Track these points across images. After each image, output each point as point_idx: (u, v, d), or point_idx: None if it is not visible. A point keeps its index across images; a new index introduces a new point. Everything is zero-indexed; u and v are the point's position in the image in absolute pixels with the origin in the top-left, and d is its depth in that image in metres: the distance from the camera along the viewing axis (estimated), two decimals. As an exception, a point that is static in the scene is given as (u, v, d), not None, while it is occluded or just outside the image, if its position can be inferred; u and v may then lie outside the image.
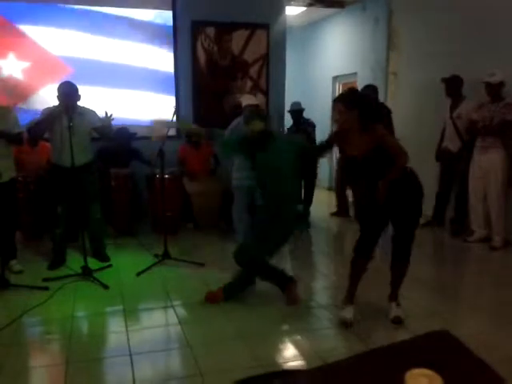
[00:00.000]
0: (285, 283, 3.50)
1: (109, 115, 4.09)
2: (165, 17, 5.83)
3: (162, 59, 5.88)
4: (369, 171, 3.00)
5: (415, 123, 5.88)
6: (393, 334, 2.98)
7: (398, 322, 3.09)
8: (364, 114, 2.95)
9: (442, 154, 5.36)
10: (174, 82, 5.94)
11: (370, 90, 5.68)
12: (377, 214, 3.05)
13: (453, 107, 5.18)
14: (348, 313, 3.13)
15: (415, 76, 6.17)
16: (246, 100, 5.04)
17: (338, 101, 3.04)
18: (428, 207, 5.64)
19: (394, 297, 3.21)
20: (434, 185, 5.52)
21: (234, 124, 4.65)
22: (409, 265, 3.13)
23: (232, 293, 3.50)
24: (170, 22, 5.85)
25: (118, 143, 5.16)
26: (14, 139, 3.87)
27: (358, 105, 2.96)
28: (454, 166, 5.25)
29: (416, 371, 1.04)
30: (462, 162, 5.09)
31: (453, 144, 5.21)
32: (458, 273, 4.38)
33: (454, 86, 5.16)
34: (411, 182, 3.03)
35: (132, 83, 5.76)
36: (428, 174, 5.68)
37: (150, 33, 5.80)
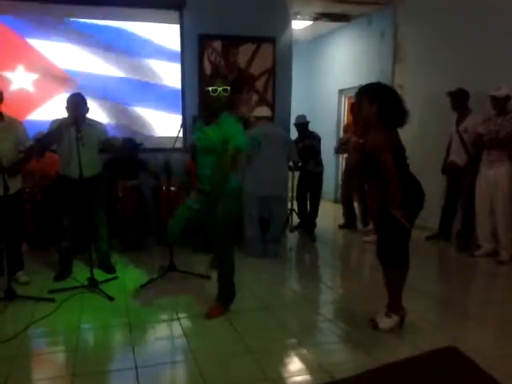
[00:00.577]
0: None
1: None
2: (172, 31, 5.89)
3: (169, 72, 5.93)
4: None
5: (421, 136, 5.88)
6: (399, 349, 2.96)
7: (373, 325, 3.18)
8: (384, 111, 2.90)
9: (448, 168, 5.35)
10: (180, 96, 5.98)
11: None
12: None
13: (459, 121, 5.19)
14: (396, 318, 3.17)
15: (421, 89, 6.19)
16: (260, 112, 5.09)
17: (360, 92, 3.01)
18: (434, 221, 5.64)
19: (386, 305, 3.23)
20: (440, 198, 5.51)
21: (248, 133, 4.75)
22: (392, 272, 3.14)
23: (226, 296, 3.48)
24: (177, 36, 5.91)
25: (124, 154, 5.18)
26: (25, 161, 3.94)
27: (379, 97, 2.92)
28: (460, 179, 5.24)
29: None
30: (468, 175, 5.08)
31: (459, 158, 5.20)
32: (465, 287, 4.35)
33: (459, 100, 5.17)
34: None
35: (138, 96, 5.80)
36: (434, 187, 5.70)
37: (157, 46, 5.86)
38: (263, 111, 5.20)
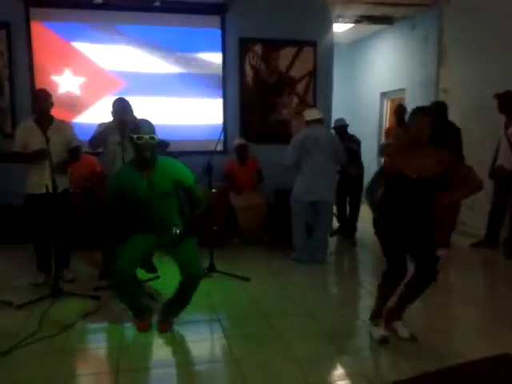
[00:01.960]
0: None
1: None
2: (213, 35, 5.96)
3: (212, 61, 6.00)
4: (422, 195, 2.87)
5: (468, 140, 5.72)
6: (442, 355, 2.87)
7: (413, 339, 3.04)
8: (437, 123, 2.90)
9: (496, 173, 5.18)
10: (221, 98, 6.04)
11: (435, 105, 5.53)
12: (408, 240, 2.94)
13: (507, 124, 5.01)
14: (381, 330, 3.11)
15: (467, 92, 6.02)
16: (311, 115, 5.00)
17: (417, 110, 2.96)
18: (481, 226, 5.46)
19: (400, 316, 3.16)
20: (488, 203, 5.33)
21: (299, 136, 4.79)
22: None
23: (179, 309, 3.37)
24: (218, 40, 5.97)
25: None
26: (73, 160, 4.08)
27: (432, 111, 2.96)
28: (508, 184, 5.05)
29: None
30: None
31: (508, 162, 5.03)
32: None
33: (507, 102, 5.00)
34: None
35: (181, 93, 5.92)
36: (481, 192, 5.53)
37: (198, 51, 5.95)
38: (314, 114, 5.03)
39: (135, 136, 3.03)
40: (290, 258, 4.97)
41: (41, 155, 3.77)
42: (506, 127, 5.01)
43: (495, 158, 5.21)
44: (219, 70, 6.02)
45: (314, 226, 4.99)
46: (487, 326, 3.37)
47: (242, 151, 5.67)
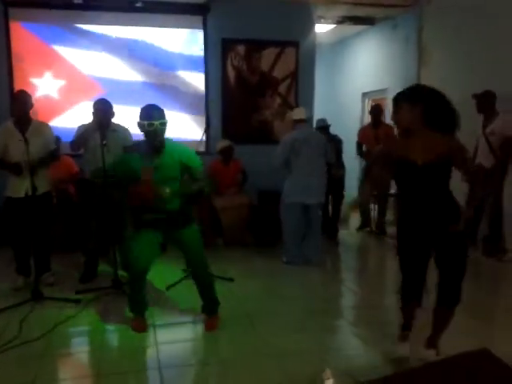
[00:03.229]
0: None
1: None
2: (195, 35, 5.94)
3: (193, 76, 5.98)
4: (428, 181, 2.59)
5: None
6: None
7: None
8: (430, 111, 2.58)
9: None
10: (204, 99, 6.03)
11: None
12: (423, 242, 2.64)
13: (486, 123, 5.09)
14: (404, 349, 2.85)
15: (447, 92, 6.05)
16: (298, 114, 4.95)
17: (399, 97, 2.64)
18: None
19: (432, 343, 2.80)
20: (464, 201, 5.40)
21: (288, 137, 4.75)
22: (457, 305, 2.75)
23: (211, 306, 3.41)
24: (201, 40, 5.96)
25: None
26: (52, 160, 4.04)
27: (422, 99, 2.60)
28: (487, 183, 5.13)
29: None
30: (495, 178, 4.97)
31: (486, 161, 5.09)
32: (493, 293, 4.25)
33: (485, 102, 5.07)
34: (455, 203, 2.66)
35: (162, 101, 5.85)
36: (460, 190, 5.60)
37: (181, 51, 5.92)
38: (301, 113, 4.97)
39: (146, 122, 3.01)
40: (281, 260, 4.91)
41: (15, 170, 3.77)
42: (484, 126, 5.09)
43: (474, 157, 5.28)
44: (201, 88, 6.02)
45: (307, 228, 4.93)
46: (467, 324, 3.42)
47: (227, 153, 5.62)
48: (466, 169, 2.68)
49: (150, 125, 3.00)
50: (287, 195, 4.80)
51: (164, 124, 3.07)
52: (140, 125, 3.06)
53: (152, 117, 3.02)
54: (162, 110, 3.11)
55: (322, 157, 4.85)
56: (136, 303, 3.33)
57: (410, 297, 2.76)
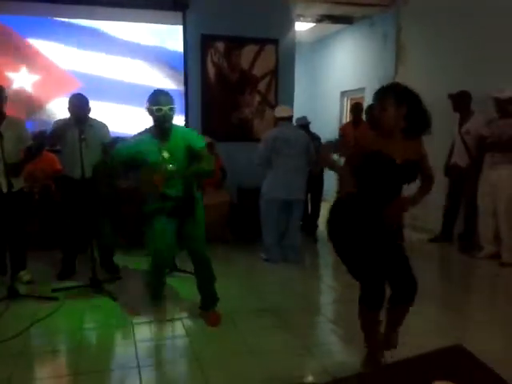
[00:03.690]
0: None
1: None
2: (174, 31, 5.90)
3: (172, 73, 5.94)
4: (400, 180, 2.55)
5: (424, 138, 5.88)
6: (400, 350, 2.95)
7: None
8: (412, 112, 2.56)
9: (450, 170, 5.35)
10: (183, 96, 5.99)
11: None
12: (381, 244, 2.49)
13: (461, 123, 5.19)
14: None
15: (424, 91, 6.09)
16: (281, 112, 4.93)
17: (385, 95, 2.57)
18: (436, 223, 5.65)
19: (393, 343, 2.75)
20: (442, 200, 5.51)
21: (270, 135, 4.73)
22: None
23: (212, 300, 3.44)
24: (180, 36, 5.92)
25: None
26: (28, 159, 3.95)
27: (408, 100, 2.56)
28: (462, 181, 5.24)
29: (441, 383, 1.03)
30: (470, 177, 5.08)
31: (461, 160, 5.20)
32: (468, 289, 4.35)
33: (461, 102, 5.17)
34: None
35: (138, 98, 5.80)
36: (436, 189, 5.70)
37: (159, 47, 5.88)
38: (285, 111, 4.95)
39: (154, 108, 3.07)
40: (260, 257, 4.93)
41: None
42: (460, 126, 5.19)
43: (450, 156, 5.38)
44: (180, 85, 5.98)
45: (286, 225, 4.94)
46: (442, 321, 3.49)
47: (208, 150, 5.59)
48: (428, 174, 2.70)
49: (159, 110, 3.07)
50: (267, 192, 4.79)
51: (172, 109, 3.15)
52: (149, 110, 3.13)
53: (161, 102, 3.09)
54: (170, 96, 3.18)
55: (304, 155, 4.83)
56: (158, 295, 3.53)
57: (376, 302, 2.51)
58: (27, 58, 5.47)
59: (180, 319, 3.43)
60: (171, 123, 3.18)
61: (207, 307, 3.42)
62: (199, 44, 6.00)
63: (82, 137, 3.72)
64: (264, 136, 4.83)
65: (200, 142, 3.29)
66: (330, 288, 4.39)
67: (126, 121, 5.69)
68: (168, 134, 3.18)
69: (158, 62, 5.89)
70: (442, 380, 1.04)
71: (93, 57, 5.67)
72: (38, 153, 4.04)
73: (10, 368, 2.67)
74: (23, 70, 5.45)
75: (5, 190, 3.56)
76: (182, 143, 3.18)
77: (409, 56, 6.57)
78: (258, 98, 6.30)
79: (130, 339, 3.10)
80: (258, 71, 6.25)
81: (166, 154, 3.13)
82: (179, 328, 3.31)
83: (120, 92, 5.74)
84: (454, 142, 5.31)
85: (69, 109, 4.03)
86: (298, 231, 5.05)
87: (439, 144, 5.57)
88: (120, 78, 5.77)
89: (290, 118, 4.96)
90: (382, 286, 2.49)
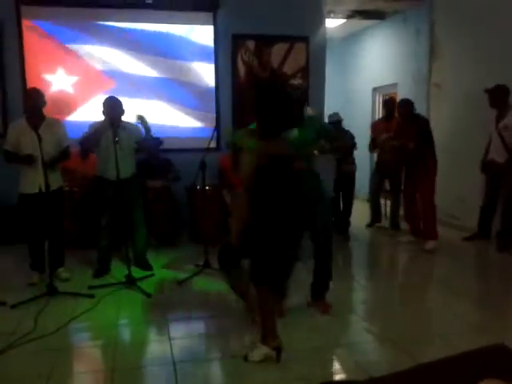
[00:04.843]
0: None
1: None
2: (206, 31, 5.95)
3: (203, 72, 5.99)
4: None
5: (460, 134, 5.76)
6: (437, 349, 2.90)
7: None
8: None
9: (487, 166, 5.21)
10: (214, 96, 6.03)
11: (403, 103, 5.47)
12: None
13: (499, 118, 5.04)
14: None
15: (459, 87, 6.05)
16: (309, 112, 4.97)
17: None
18: (473, 221, 5.51)
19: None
20: (479, 198, 5.38)
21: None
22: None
23: (324, 287, 3.53)
24: (212, 36, 5.96)
25: (148, 154, 4.95)
26: (64, 157, 4.06)
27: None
28: (500, 177, 5.09)
29: (489, 381, 1.00)
30: (508, 174, 4.93)
31: (499, 156, 5.05)
32: (505, 288, 4.22)
33: (498, 97, 5.02)
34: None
35: (173, 96, 5.89)
36: (473, 186, 5.57)
37: (191, 47, 5.94)
38: (309, 112, 5.07)
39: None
40: None
41: (27, 161, 3.81)
42: (497, 121, 5.04)
43: (487, 152, 5.24)
44: (212, 82, 6.00)
45: None
46: (480, 321, 3.40)
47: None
48: None
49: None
50: None
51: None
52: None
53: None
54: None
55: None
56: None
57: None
58: (63, 60, 5.60)
59: (212, 317, 3.45)
60: None
61: (319, 295, 3.52)
62: (230, 43, 6.02)
63: (116, 139, 3.81)
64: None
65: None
66: (362, 286, 4.34)
67: (159, 117, 5.76)
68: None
69: (189, 61, 5.94)
70: (485, 379, 1.01)
71: (126, 57, 5.76)
72: (68, 155, 4.13)
73: (50, 362, 2.74)
74: (60, 71, 5.59)
75: (43, 189, 3.66)
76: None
77: (443, 51, 6.42)
78: (288, 97, 6.26)
79: (164, 336, 3.14)
80: (288, 69, 6.23)
81: None
82: (211, 325, 3.34)
83: (153, 88, 5.82)
84: (491, 137, 5.16)
85: (103, 112, 4.12)
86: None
87: (476, 140, 5.45)
88: (153, 76, 5.85)
89: None
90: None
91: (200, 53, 5.97)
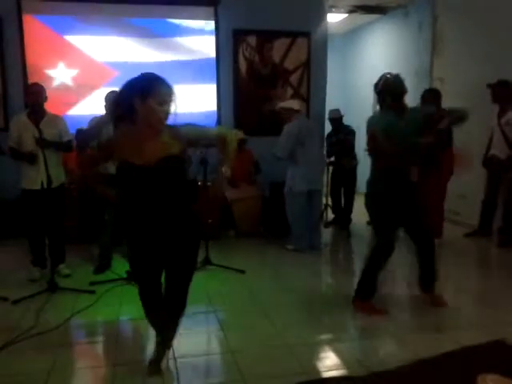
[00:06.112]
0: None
1: None
2: (207, 26, 5.92)
3: (204, 68, 5.96)
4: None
5: (462, 129, 5.72)
6: (437, 344, 2.90)
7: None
8: None
9: (489, 162, 5.20)
10: (215, 91, 6.01)
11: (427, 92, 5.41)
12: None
13: (501, 113, 5.03)
14: None
15: (462, 82, 6.02)
16: (296, 105, 5.03)
17: None
18: (473, 216, 5.50)
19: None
20: (481, 193, 5.37)
21: (293, 127, 4.78)
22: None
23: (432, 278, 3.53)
24: (213, 31, 5.94)
25: None
26: (64, 148, 4.05)
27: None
28: (501, 173, 5.08)
29: (489, 376, 1.00)
30: (510, 169, 4.92)
31: (501, 152, 5.04)
32: (506, 284, 4.22)
33: (500, 92, 5.01)
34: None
35: (175, 76, 5.79)
36: (474, 181, 5.55)
37: (191, 43, 5.91)
38: (298, 104, 5.13)
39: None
40: (287, 248, 4.98)
41: (29, 159, 3.82)
42: (500, 117, 5.03)
43: (488, 148, 5.23)
44: (212, 54, 5.96)
45: (308, 215, 5.01)
46: (481, 316, 3.40)
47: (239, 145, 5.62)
48: None
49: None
50: (297, 184, 4.83)
51: None
52: None
53: None
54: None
55: (320, 145, 5.18)
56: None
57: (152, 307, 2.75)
58: (64, 53, 5.59)
59: (214, 312, 3.46)
60: None
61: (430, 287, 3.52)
62: (231, 39, 6.00)
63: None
64: (287, 129, 4.83)
65: None
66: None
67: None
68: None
69: (189, 56, 5.92)
70: (486, 374, 1.01)
71: (124, 46, 5.73)
72: (69, 149, 4.14)
73: (51, 357, 2.75)
74: (61, 65, 5.58)
75: (46, 186, 3.66)
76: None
77: (445, 45, 6.39)
78: (290, 92, 6.26)
79: (165, 331, 3.14)
80: (289, 64, 6.21)
81: None
82: (213, 321, 3.34)
83: (158, 73, 5.79)
84: (493, 133, 5.14)
85: (105, 106, 4.11)
86: (318, 218, 5.23)
87: (478, 135, 5.43)
88: (154, 59, 5.81)
89: (299, 111, 5.02)
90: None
91: (201, 48, 5.94)
